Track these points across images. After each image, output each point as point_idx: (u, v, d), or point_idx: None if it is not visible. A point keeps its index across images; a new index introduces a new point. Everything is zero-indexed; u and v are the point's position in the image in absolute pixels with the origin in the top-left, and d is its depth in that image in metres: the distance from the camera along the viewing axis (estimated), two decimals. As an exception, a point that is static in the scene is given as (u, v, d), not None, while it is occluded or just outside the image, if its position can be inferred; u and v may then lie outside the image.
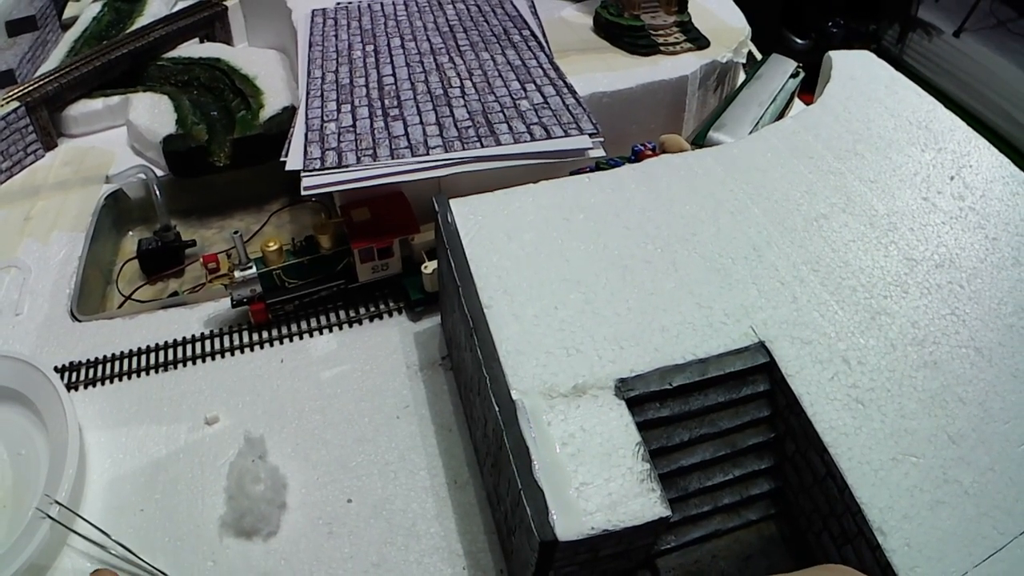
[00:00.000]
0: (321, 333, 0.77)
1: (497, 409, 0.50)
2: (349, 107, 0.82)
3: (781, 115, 0.96)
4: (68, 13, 1.41)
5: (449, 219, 0.64)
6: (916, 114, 0.79)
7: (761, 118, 0.91)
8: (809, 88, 0.95)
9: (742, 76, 1.09)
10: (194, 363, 0.75)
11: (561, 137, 0.77)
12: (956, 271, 0.62)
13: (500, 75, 0.87)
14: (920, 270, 0.62)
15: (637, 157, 0.84)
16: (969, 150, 0.75)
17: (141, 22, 1.27)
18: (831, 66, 0.87)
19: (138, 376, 0.74)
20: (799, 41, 2.78)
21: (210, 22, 1.27)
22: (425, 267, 0.75)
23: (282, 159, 0.75)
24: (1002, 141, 2.40)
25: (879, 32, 2.94)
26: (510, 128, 0.78)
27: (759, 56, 1.14)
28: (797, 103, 1.02)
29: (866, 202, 0.68)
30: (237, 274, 0.74)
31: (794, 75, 1.00)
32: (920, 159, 0.73)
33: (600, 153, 0.77)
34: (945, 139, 0.76)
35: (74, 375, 0.74)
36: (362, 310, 0.79)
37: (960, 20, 2.66)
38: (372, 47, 0.94)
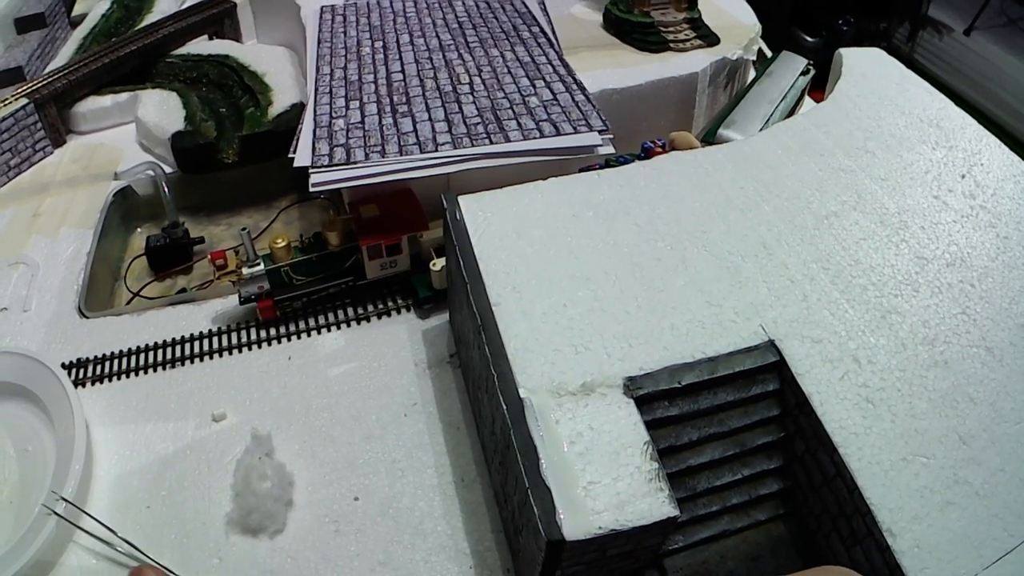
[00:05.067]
0: (329, 330, 0.77)
1: (505, 407, 0.49)
2: (358, 104, 0.82)
3: (791, 113, 0.95)
4: (77, 10, 1.42)
5: (458, 216, 0.63)
6: (927, 112, 0.78)
7: (771, 115, 0.90)
8: (819, 87, 0.94)
9: (752, 73, 1.09)
10: (201, 360, 0.75)
11: (570, 134, 0.76)
12: (967, 270, 0.61)
13: (509, 72, 0.87)
14: (931, 269, 0.61)
15: (647, 154, 0.83)
16: (980, 148, 0.74)
17: (150, 19, 1.27)
18: (841, 63, 0.86)
19: (145, 373, 0.74)
20: (809, 39, 2.78)
21: (219, 19, 1.27)
22: (434, 264, 0.75)
23: (290, 155, 0.75)
24: (1013, 140, 2.38)
25: (889, 30, 2.93)
26: (519, 125, 0.77)
27: (769, 53, 1.13)
28: (808, 101, 1.02)
29: (877, 200, 0.67)
30: (245, 271, 0.74)
31: (804, 72, 0.99)
32: (931, 157, 0.72)
33: (609, 150, 0.77)
34: (956, 137, 0.75)
35: (81, 371, 0.74)
36: (370, 307, 0.79)
37: (971, 18, 2.65)
38: (381, 43, 0.94)
